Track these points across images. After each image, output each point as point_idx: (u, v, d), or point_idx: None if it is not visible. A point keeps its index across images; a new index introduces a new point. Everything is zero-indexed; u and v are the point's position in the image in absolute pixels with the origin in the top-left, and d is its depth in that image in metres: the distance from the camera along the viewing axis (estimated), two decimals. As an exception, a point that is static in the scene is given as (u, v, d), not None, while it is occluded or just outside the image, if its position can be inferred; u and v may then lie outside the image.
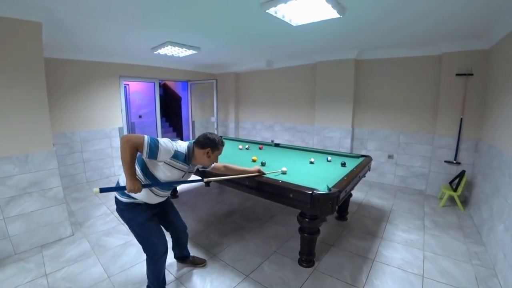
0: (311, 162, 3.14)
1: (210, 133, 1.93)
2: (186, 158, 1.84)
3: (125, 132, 5.64)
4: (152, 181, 1.82)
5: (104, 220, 3.46)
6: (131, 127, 5.95)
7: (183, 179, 1.94)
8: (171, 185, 1.94)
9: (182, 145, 1.85)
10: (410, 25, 3.23)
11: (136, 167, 1.79)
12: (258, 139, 6.84)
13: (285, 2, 2.51)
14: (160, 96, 6.48)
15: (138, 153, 1.71)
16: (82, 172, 5.10)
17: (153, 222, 1.96)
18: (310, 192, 1.99)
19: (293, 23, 3.13)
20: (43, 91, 2.79)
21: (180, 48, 4.29)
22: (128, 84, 6.35)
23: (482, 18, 2.88)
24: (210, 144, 1.88)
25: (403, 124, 4.72)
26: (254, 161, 3.13)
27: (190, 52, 4.56)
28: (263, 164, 2.95)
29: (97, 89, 5.12)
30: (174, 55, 4.82)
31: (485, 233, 2.85)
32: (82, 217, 3.56)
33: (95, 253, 2.71)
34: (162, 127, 6.93)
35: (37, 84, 2.75)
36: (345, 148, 5.21)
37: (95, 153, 5.22)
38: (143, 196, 1.85)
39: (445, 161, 4.16)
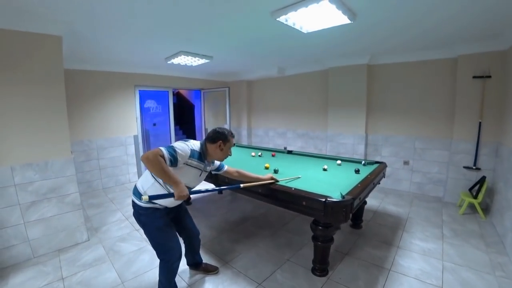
0: (324, 169, 3.10)
1: (219, 128, 1.98)
2: (201, 155, 1.88)
3: (140, 140, 5.77)
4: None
5: (119, 226, 3.52)
6: (145, 134, 6.07)
7: (200, 178, 1.98)
8: (189, 187, 1.94)
9: (195, 144, 1.89)
10: (423, 28, 3.19)
11: (157, 178, 1.81)
12: (270, 146, 6.83)
13: (295, 10, 2.53)
14: (174, 104, 6.60)
15: None
16: (98, 178, 5.23)
17: (169, 228, 1.98)
18: (324, 200, 1.96)
19: (304, 30, 3.15)
20: (63, 101, 2.91)
21: (193, 58, 4.38)
22: (143, 93, 6.50)
23: (498, 18, 2.80)
24: (221, 137, 1.92)
25: (418, 129, 4.61)
26: (267, 168, 3.11)
27: (202, 61, 4.65)
28: (276, 172, 2.94)
29: (113, 98, 5.29)
30: (187, 64, 4.92)
31: (509, 243, 2.72)
32: (97, 222, 3.64)
33: (110, 258, 2.75)
34: (176, 134, 7.04)
35: (57, 95, 2.86)
36: (359, 154, 5.13)
37: (111, 160, 5.36)
38: (164, 200, 1.86)
39: (464, 167, 4.02)
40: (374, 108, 5.05)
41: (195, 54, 4.30)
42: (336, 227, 2.21)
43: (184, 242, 2.35)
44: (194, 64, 4.86)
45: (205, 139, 1.97)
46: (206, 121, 7.21)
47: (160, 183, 1.81)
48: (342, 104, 5.26)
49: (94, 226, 3.51)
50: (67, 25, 2.78)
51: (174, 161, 1.69)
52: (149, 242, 2.78)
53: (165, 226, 1.93)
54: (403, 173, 4.85)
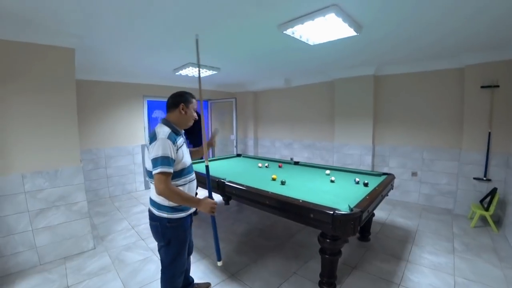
0: (332, 181, 3.07)
1: (176, 92, 1.88)
2: (174, 131, 1.74)
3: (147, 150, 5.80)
4: (184, 173, 1.80)
5: (125, 235, 3.52)
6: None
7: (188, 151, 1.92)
8: (189, 166, 1.88)
9: (162, 129, 1.71)
10: (429, 39, 3.21)
11: (175, 181, 1.75)
12: (277, 156, 6.82)
13: (302, 23, 2.57)
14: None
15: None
16: (106, 187, 5.27)
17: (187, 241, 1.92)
18: (332, 212, 1.94)
19: (310, 42, 3.19)
20: (74, 111, 2.99)
21: (201, 69, 4.45)
22: (151, 103, 6.60)
23: (504, 28, 2.79)
24: (180, 99, 1.82)
25: (426, 140, 4.57)
26: (274, 179, 3.09)
27: (210, 72, 4.72)
28: (283, 183, 2.91)
29: (122, 108, 5.39)
30: (195, 76, 5.00)
31: (523, 258, 2.64)
32: (104, 231, 3.65)
33: (115, 267, 2.74)
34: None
35: (68, 105, 2.94)
36: (366, 165, 5.08)
37: (118, 169, 5.41)
38: (189, 191, 1.84)
39: (474, 178, 3.94)
40: (381, 118, 5.03)
41: (203, 66, 4.38)
42: (344, 240, 2.17)
43: None
44: (202, 75, 4.93)
45: (166, 110, 1.87)
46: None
47: (180, 185, 1.77)
48: (349, 114, 5.26)
49: (100, 235, 3.52)
50: (79, 38, 2.88)
51: (173, 162, 1.65)
52: (156, 252, 2.78)
53: (187, 239, 1.87)
54: (411, 184, 4.78)
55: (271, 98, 7.08)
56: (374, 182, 2.96)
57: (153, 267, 2.73)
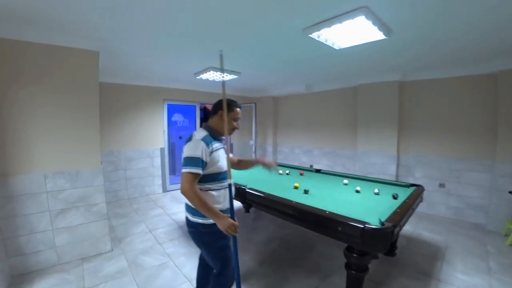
0: (357, 191, 2.92)
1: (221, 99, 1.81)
2: (211, 134, 1.75)
3: (166, 153, 5.86)
4: (219, 178, 1.74)
5: (142, 238, 3.50)
6: (171, 148, 6.17)
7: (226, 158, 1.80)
8: (223, 171, 1.78)
9: (199, 132, 1.74)
10: (462, 43, 3.03)
11: (201, 185, 1.69)
12: (296, 163, 6.67)
13: (329, 26, 2.48)
14: (200, 118, 6.70)
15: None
16: (125, 188, 5.33)
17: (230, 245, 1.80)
18: (362, 226, 1.81)
19: (336, 47, 3.09)
20: (96, 113, 3.02)
21: (221, 73, 4.41)
22: (170, 106, 6.67)
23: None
24: (220, 106, 1.77)
25: (455, 150, 4.31)
26: (296, 188, 2.99)
27: (231, 76, 4.71)
28: (306, 192, 2.80)
29: (142, 111, 5.46)
30: (216, 80, 4.99)
31: None
32: (121, 233, 3.65)
33: (132, 271, 2.71)
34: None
35: (91, 107, 2.98)
36: (389, 175, 4.86)
37: (137, 171, 5.46)
38: (223, 199, 1.76)
39: (510, 192, 3.66)
40: (406, 126, 4.81)
41: (223, 70, 4.34)
42: (374, 256, 2.03)
43: (198, 271, 2.12)
44: (220, 80, 4.90)
45: (210, 117, 1.87)
46: (232, 137, 7.20)
47: (213, 190, 1.72)
48: (372, 121, 5.07)
49: (118, 237, 3.51)
50: (104, 41, 2.91)
51: (204, 165, 1.63)
52: (172, 258, 2.72)
53: (229, 243, 1.77)
54: (438, 196, 4.52)
55: (291, 104, 6.98)
56: (403, 194, 2.79)
57: (170, 273, 2.67)
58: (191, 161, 1.59)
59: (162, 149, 5.76)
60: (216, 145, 1.74)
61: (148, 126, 5.54)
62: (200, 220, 1.69)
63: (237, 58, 3.73)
